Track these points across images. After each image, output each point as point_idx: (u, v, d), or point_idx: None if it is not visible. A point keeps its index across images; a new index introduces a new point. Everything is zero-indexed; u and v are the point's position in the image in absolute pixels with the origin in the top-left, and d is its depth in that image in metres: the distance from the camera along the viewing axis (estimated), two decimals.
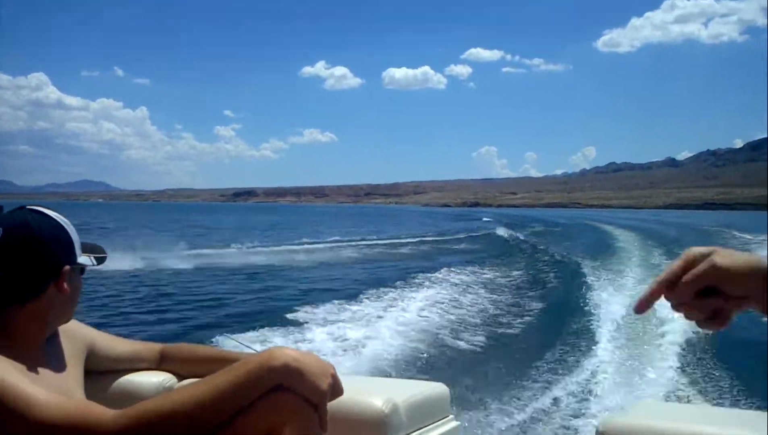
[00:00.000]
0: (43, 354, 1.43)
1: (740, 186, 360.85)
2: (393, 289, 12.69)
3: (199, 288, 14.72)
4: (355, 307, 10.62)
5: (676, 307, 0.90)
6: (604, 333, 9.07)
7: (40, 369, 1.38)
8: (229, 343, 4.58)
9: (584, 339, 8.85)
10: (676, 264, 0.90)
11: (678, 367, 7.40)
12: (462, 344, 8.68)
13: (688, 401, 6.14)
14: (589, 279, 14.48)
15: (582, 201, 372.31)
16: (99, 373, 1.70)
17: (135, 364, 1.80)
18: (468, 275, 15.70)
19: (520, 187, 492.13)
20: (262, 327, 9.01)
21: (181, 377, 1.79)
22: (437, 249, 27.55)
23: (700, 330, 5.15)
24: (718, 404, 6.04)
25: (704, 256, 0.88)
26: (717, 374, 7.14)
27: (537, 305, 12.14)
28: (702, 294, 0.88)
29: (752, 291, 0.86)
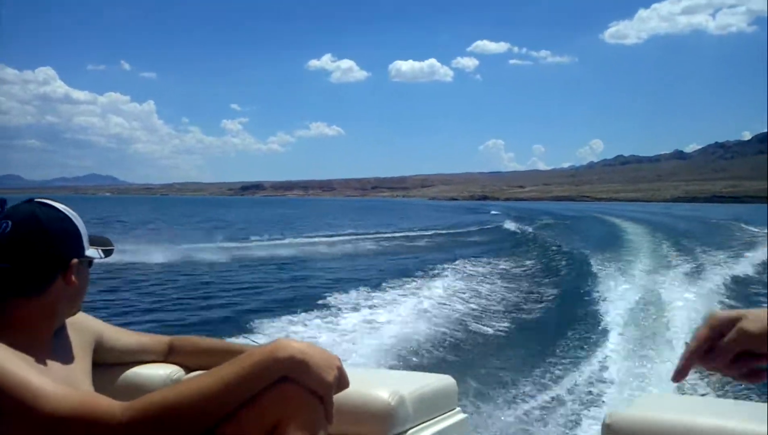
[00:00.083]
0: (51, 346, 1.42)
1: (749, 178, 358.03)
2: (415, 279, 13.36)
3: (235, 277, 15.56)
4: (383, 295, 11.36)
5: (712, 369, 0.92)
6: (613, 325, 9.16)
7: (48, 361, 1.37)
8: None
9: (593, 332, 8.94)
10: (703, 332, 0.92)
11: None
12: (471, 336, 8.80)
13: (702, 395, 5.96)
14: (598, 270, 14.83)
15: (591, 194, 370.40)
16: (106, 365, 1.70)
17: (142, 357, 1.80)
18: (483, 266, 16.36)
19: (528, 180, 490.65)
20: (300, 313, 9.56)
21: (188, 369, 1.80)
22: (452, 241, 28.40)
23: None
24: (724, 397, 5.87)
25: (731, 322, 0.90)
26: None
27: (551, 292, 12.63)
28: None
29: None
